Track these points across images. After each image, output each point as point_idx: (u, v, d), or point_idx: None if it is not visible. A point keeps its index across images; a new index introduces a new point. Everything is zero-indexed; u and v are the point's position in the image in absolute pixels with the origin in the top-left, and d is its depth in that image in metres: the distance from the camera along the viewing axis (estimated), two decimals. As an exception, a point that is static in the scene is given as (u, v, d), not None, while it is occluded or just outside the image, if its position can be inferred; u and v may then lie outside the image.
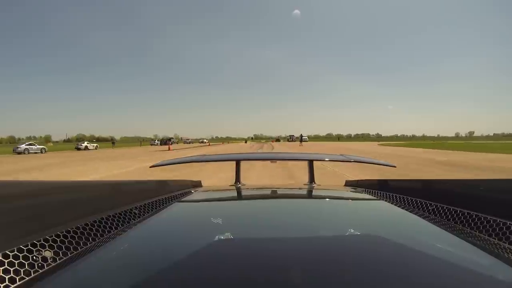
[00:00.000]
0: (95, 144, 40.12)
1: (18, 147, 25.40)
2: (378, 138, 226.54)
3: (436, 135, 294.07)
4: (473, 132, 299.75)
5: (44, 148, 27.52)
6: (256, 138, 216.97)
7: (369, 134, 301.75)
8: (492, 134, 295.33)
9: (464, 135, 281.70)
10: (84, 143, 35.80)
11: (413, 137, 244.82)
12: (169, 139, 49.56)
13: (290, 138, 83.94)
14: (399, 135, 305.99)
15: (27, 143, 26.64)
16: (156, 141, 58.26)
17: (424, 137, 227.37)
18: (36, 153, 25.45)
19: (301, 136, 45.64)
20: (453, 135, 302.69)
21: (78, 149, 33.60)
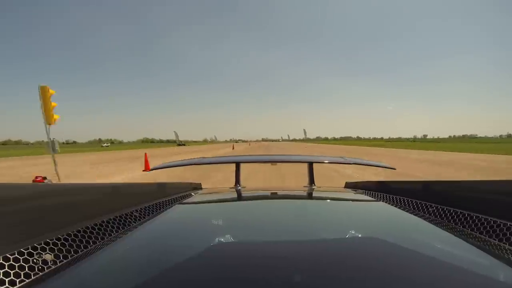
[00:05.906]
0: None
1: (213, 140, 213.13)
2: (357, 140, 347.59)
3: (397, 137, 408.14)
4: (427, 135, 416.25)
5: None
6: (262, 140, 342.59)
7: (350, 136, 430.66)
8: (447, 137, 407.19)
9: (419, 137, 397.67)
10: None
11: (372, 139, 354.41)
12: None
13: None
14: (376, 137, 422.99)
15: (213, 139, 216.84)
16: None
17: (374, 138, 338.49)
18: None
19: (273, 140, 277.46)
20: (412, 136, 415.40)
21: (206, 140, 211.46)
